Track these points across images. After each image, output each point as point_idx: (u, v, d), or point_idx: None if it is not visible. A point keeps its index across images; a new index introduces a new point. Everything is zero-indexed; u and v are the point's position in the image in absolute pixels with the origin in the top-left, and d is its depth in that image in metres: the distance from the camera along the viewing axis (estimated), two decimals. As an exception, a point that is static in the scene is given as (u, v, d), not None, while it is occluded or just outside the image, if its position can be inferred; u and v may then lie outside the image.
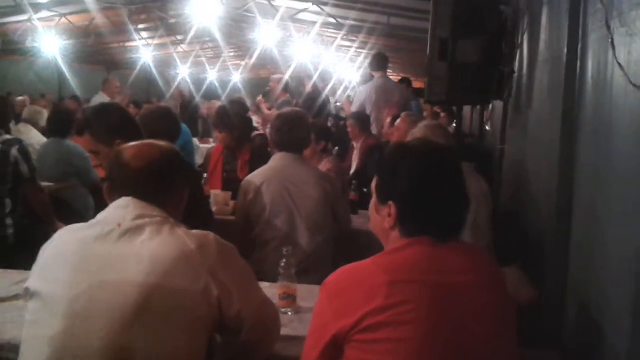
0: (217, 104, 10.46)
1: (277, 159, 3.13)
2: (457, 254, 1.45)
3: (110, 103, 3.89)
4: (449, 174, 1.52)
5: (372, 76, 6.56)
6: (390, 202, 1.48)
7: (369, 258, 1.46)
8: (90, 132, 2.57)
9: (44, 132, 5.84)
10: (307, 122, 3.27)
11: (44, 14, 9.05)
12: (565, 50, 2.55)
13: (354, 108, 6.35)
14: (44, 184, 4.37)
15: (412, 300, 1.32)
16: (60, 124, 4.99)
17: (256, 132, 4.53)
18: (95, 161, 2.64)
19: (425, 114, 8.61)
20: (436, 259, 1.41)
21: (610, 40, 1.99)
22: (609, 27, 2.02)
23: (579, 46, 2.47)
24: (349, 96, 8.65)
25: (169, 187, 1.69)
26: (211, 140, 8.49)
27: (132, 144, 1.73)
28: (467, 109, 8.10)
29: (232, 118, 4.16)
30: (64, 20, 9.65)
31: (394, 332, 1.30)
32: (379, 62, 6.51)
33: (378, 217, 1.54)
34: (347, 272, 1.45)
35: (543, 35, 3.35)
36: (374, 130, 5.95)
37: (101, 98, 7.13)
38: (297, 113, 3.27)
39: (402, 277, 1.37)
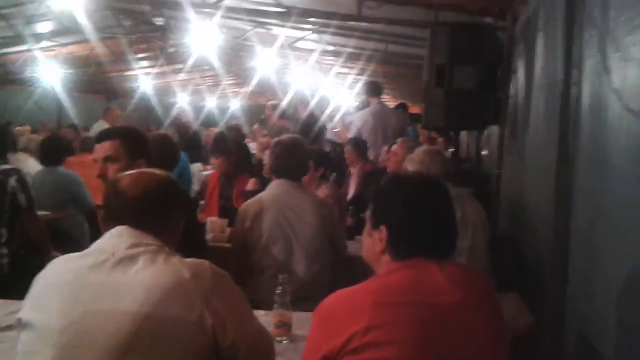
0: (215, 131, 10.52)
1: (275, 186, 3.12)
2: (448, 275, 1.46)
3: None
4: (441, 201, 1.59)
5: (368, 102, 6.60)
6: (382, 226, 1.54)
7: (360, 283, 1.49)
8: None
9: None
10: (306, 149, 3.27)
11: (44, 43, 9.11)
12: (561, 75, 2.56)
13: (350, 134, 6.37)
14: (41, 212, 4.36)
15: (399, 321, 1.35)
16: (54, 151, 5.02)
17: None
18: (96, 170, 2.58)
19: (422, 138, 8.65)
20: (426, 281, 1.43)
21: (605, 65, 2.00)
22: (604, 53, 2.03)
23: (574, 72, 2.48)
24: (342, 120, 8.65)
25: (165, 216, 1.68)
26: (209, 167, 8.49)
27: (128, 172, 1.73)
28: (463, 134, 8.14)
29: (229, 144, 4.17)
30: (64, 49, 9.72)
31: (380, 352, 1.32)
32: (374, 89, 6.56)
33: (370, 241, 1.60)
34: (337, 296, 1.49)
35: (539, 62, 3.37)
36: (371, 155, 5.96)
37: (103, 125, 7.16)
38: (296, 140, 3.27)
39: (389, 298, 1.39)
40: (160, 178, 1.72)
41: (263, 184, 4.20)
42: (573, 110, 2.49)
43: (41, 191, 4.69)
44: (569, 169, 2.48)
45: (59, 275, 1.54)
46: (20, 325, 1.54)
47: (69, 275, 1.52)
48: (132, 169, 2.45)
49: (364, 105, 7.00)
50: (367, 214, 1.64)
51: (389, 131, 6.21)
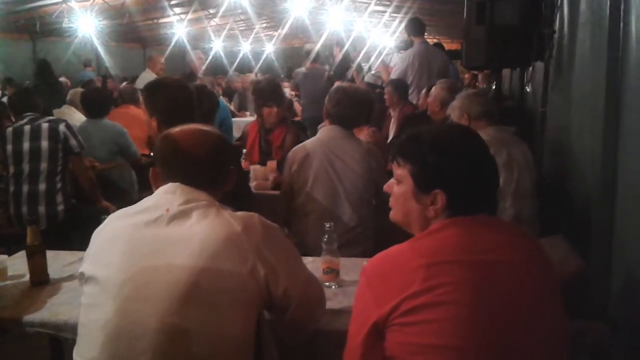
0: (251, 76, 10.49)
1: (327, 131, 3.11)
2: (496, 231, 1.45)
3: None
4: (487, 154, 1.52)
5: (411, 42, 6.43)
6: (437, 190, 1.45)
7: (406, 241, 1.45)
8: (144, 95, 2.61)
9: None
10: (368, 100, 3.24)
11: (79, -6, 9.18)
12: (608, 11, 2.46)
13: (394, 75, 6.25)
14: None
15: (452, 281, 1.32)
16: (96, 103, 5.05)
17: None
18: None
19: (466, 76, 8.46)
20: (475, 238, 1.40)
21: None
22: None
23: (622, 7, 2.39)
24: (384, 61, 8.48)
25: (219, 173, 1.72)
26: (247, 113, 8.53)
27: (180, 129, 1.74)
28: (506, 70, 7.90)
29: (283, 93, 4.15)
30: (98, 0, 9.75)
31: (434, 313, 1.30)
32: (417, 27, 6.35)
33: (417, 207, 1.49)
34: (385, 258, 1.45)
35: (584, -5, 3.24)
36: (416, 98, 5.87)
37: (147, 75, 7.18)
38: (358, 90, 3.23)
39: (440, 258, 1.36)
40: (213, 136, 1.74)
41: (293, 130, 4.21)
42: (621, 47, 2.41)
43: (88, 144, 4.81)
44: (617, 109, 2.41)
45: (117, 231, 1.61)
46: (83, 278, 1.61)
47: (127, 232, 1.58)
48: (150, 125, 2.57)
49: (406, 45, 6.82)
50: (403, 174, 1.52)
51: (434, 72, 6.07)
